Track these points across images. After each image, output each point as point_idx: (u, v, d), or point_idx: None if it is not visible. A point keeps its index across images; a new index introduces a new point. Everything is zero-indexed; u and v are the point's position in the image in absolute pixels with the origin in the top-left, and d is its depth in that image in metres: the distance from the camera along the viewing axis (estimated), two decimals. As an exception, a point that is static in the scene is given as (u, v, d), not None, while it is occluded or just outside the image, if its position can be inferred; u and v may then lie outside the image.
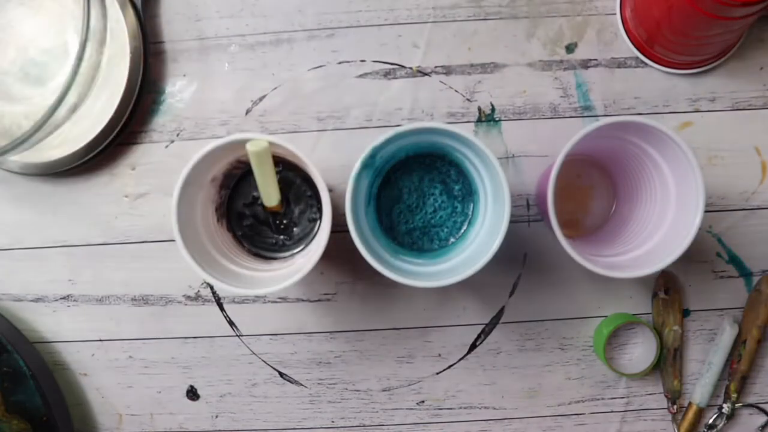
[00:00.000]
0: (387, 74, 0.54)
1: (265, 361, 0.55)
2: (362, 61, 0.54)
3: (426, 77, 0.54)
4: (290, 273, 0.43)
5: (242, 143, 0.41)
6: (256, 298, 0.54)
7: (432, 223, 0.48)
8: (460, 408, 0.55)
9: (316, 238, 0.43)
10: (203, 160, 0.42)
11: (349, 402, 0.55)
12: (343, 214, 0.42)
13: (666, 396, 0.53)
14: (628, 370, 0.53)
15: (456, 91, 0.53)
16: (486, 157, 0.42)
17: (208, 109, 0.54)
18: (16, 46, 0.53)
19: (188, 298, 0.55)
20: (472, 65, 0.53)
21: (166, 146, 0.54)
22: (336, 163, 0.53)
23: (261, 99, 0.54)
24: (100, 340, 0.55)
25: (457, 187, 0.48)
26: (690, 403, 0.53)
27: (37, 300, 0.55)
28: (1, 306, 0.55)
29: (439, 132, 0.43)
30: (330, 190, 0.46)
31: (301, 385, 0.55)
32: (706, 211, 0.43)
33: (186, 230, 0.43)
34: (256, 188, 0.46)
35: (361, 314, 0.54)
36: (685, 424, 0.53)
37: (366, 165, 0.42)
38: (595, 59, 0.53)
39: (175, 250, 0.54)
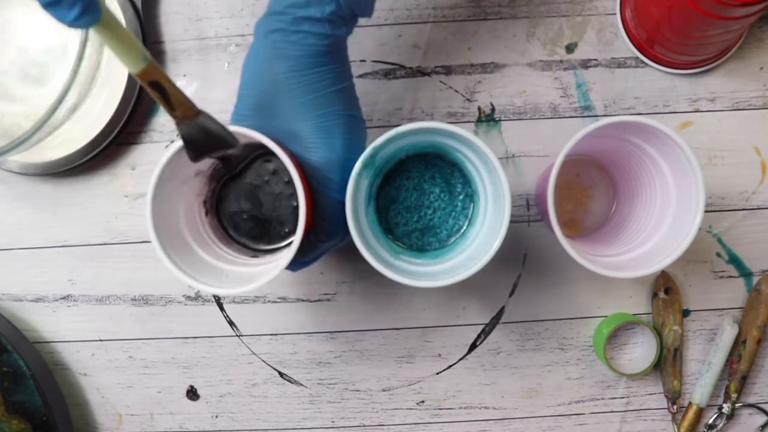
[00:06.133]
0: (387, 74, 0.54)
1: (265, 361, 0.55)
2: (362, 61, 0.54)
3: (426, 77, 0.54)
4: (270, 269, 0.40)
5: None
6: (257, 297, 0.54)
7: (432, 223, 0.48)
8: (460, 408, 0.55)
9: (296, 231, 0.39)
10: (173, 160, 0.40)
11: (349, 402, 0.55)
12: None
13: (666, 396, 0.53)
14: (628, 370, 0.53)
15: (456, 91, 0.53)
16: (486, 157, 0.41)
17: (208, 109, 0.52)
18: (16, 46, 0.53)
19: (188, 298, 0.55)
20: (472, 65, 0.53)
21: (166, 146, 0.54)
22: (336, 163, 0.52)
23: (261, 99, 0.53)
24: (100, 340, 0.55)
25: (457, 187, 0.48)
26: (690, 403, 0.53)
27: (37, 300, 0.55)
28: (1, 306, 0.55)
29: (439, 132, 0.42)
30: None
31: (301, 385, 0.55)
32: (706, 211, 0.43)
33: (165, 226, 0.40)
34: (245, 194, 0.44)
35: (361, 314, 0.54)
36: (685, 424, 0.53)
37: (366, 165, 0.42)
38: (595, 59, 0.53)
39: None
